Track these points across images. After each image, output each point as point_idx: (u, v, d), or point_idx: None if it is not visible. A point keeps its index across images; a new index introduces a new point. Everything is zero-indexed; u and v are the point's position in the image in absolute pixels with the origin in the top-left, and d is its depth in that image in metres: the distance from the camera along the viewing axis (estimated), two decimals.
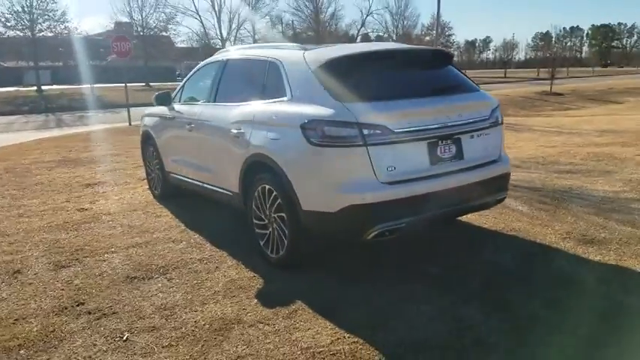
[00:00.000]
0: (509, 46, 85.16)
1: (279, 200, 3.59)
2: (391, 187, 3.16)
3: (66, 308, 3.28)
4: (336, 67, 3.43)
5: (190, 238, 4.49)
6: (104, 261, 4.08)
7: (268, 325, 2.95)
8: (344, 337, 2.75)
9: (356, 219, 3.15)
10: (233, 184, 4.14)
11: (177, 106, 5.21)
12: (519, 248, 3.91)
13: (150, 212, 5.45)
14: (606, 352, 2.50)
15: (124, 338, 2.88)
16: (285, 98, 3.60)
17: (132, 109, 16.34)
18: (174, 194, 5.78)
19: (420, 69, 3.76)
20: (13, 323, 3.11)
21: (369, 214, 3.13)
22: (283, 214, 3.56)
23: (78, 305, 3.32)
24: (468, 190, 3.45)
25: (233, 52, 4.74)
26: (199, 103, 4.91)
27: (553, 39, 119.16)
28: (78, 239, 4.65)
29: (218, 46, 39.82)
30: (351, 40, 61.33)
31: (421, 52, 4.18)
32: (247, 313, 3.10)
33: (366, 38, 55.79)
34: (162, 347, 2.78)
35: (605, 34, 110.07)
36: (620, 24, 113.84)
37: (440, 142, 3.35)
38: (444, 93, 3.55)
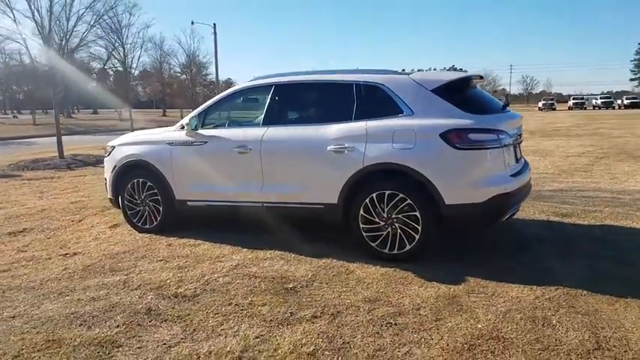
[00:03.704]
0: None
1: (407, 201, 4.25)
2: (513, 179, 4.27)
3: (300, 319, 3.33)
4: (451, 87, 4.36)
5: (277, 256, 4.62)
6: (231, 283, 4.01)
7: (480, 294, 3.66)
8: (543, 290, 3.67)
9: (499, 206, 4.13)
10: (329, 197, 4.55)
11: (210, 131, 5.18)
12: (532, 225, 5.39)
13: (174, 244, 5.17)
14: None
15: (393, 323, 3.24)
16: (403, 114, 4.33)
17: None
18: (173, 225, 5.54)
19: (481, 90, 4.95)
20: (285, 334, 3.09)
21: (507, 200, 4.16)
22: (415, 213, 4.23)
23: (300, 311, 3.42)
24: (528, 183, 4.78)
25: (290, 77, 5.02)
26: (253, 125, 5.06)
27: None
28: (153, 275, 4.29)
29: None
30: (90, 72, 57.87)
31: (480, 76, 5.23)
32: (449, 290, 3.73)
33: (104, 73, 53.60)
34: (434, 321, 3.26)
35: None
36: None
37: (515, 146, 4.60)
38: (505, 109, 4.80)
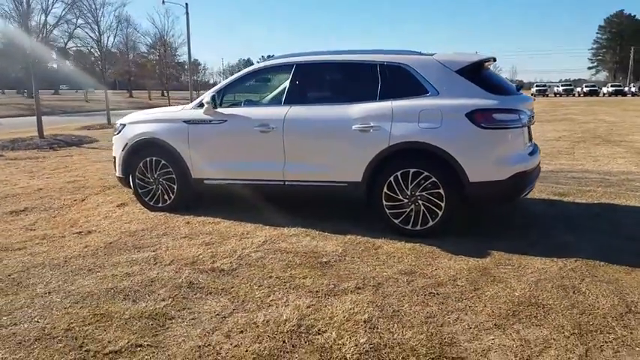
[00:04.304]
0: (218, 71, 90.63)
1: (432, 179, 4.41)
2: (530, 158, 4.48)
3: (345, 290, 3.46)
4: (473, 69, 4.51)
5: (302, 233, 4.69)
6: (264, 258, 4.09)
7: (507, 266, 3.86)
8: (564, 262, 3.89)
9: (519, 183, 4.34)
10: (353, 175, 4.66)
11: (230, 110, 5.19)
12: (535, 204, 5.66)
13: (193, 222, 5.17)
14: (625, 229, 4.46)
15: (435, 293, 3.41)
16: (428, 94, 4.46)
17: None
18: (186, 204, 5.55)
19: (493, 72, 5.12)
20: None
21: (527, 178, 4.38)
22: (439, 191, 4.40)
23: (342, 283, 3.53)
24: (539, 163, 5.00)
25: (312, 57, 5.05)
26: (274, 104, 5.11)
27: None
28: (182, 251, 4.31)
29: None
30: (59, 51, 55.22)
31: (494, 59, 5.34)
32: (478, 263, 3.91)
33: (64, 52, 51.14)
34: (473, 290, 3.44)
35: None
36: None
37: (529, 127, 4.81)
38: (518, 92, 4.99)
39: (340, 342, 2.78)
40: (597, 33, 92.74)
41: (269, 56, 5.01)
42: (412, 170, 4.43)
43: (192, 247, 4.40)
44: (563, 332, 2.86)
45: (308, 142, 4.82)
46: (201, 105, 5.27)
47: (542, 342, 2.77)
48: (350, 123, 4.59)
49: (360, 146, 4.56)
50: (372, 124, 4.52)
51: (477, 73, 4.53)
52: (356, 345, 2.74)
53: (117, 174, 5.86)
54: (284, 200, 5.28)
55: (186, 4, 29.50)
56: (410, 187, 4.46)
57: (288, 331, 2.91)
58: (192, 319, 3.11)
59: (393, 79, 4.60)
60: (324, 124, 4.73)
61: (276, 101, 5.14)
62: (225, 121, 5.12)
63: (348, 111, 4.64)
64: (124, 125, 5.73)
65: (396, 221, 4.56)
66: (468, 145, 4.29)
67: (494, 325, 2.95)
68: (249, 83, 5.41)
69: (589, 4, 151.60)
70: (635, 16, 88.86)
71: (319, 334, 2.88)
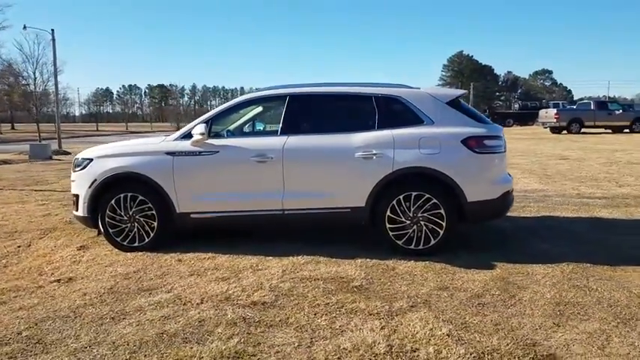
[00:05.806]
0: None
1: (433, 200, 4.79)
2: (510, 178, 5.10)
3: (402, 310, 3.62)
4: (458, 101, 5.06)
5: (312, 261, 4.70)
6: (296, 287, 4.09)
7: (519, 274, 4.29)
8: (561, 267, 4.42)
9: (506, 201, 4.91)
10: (356, 201, 4.88)
11: (222, 140, 5.10)
12: (504, 220, 6.32)
13: (185, 259, 4.89)
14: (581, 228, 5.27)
15: (482, 303, 3.73)
16: (424, 124, 4.88)
17: None
18: (167, 241, 5.27)
19: None
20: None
21: (510, 196, 4.97)
22: (440, 211, 4.79)
23: (394, 304, 3.69)
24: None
25: (305, 89, 5.20)
26: (268, 134, 5.15)
27: (114, 95, 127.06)
28: (203, 289, 4.12)
29: None
30: None
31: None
32: (494, 274, 4.31)
33: None
34: (510, 297, 3.82)
35: (162, 93, 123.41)
36: (172, 85, 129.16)
37: None
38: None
39: (441, 356, 2.93)
40: (442, 71, 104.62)
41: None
42: (414, 193, 4.76)
43: (209, 283, 4.21)
44: (610, 323, 3.33)
45: (310, 170, 4.92)
46: (186, 136, 5.09)
47: (601, 333, 3.20)
48: (352, 151, 4.81)
49: (364, 172, 4.79)
50: (374, 152, 4.79)
51: (460, 105, 5.07)
52: (459, 356, 2.91)
53: (79, 213, 5.34)
54: (260, 230, 5.32)
55: (52, 30, 27.05)
56: (412, 209, 4.77)
57: (385, 353, 2.98)
58: (277, 352, 3.04)
59: (390, 110, 4.94)
60: (326, 152, 4.88)
61: (268, 131, 5.19)
62: (217, 152, 5.00)
63: (349, 140, 4.86)
64: (91, 160, 5.27)
65: (399, 242, 4.83)
66: (465, 168, 4.75)
67: (554, 324, 3.33)
68: (238, 114, 5.37)
69: (434, 44, 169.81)
70: (472, 56, 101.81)
71: (415, 351, 3.00)
